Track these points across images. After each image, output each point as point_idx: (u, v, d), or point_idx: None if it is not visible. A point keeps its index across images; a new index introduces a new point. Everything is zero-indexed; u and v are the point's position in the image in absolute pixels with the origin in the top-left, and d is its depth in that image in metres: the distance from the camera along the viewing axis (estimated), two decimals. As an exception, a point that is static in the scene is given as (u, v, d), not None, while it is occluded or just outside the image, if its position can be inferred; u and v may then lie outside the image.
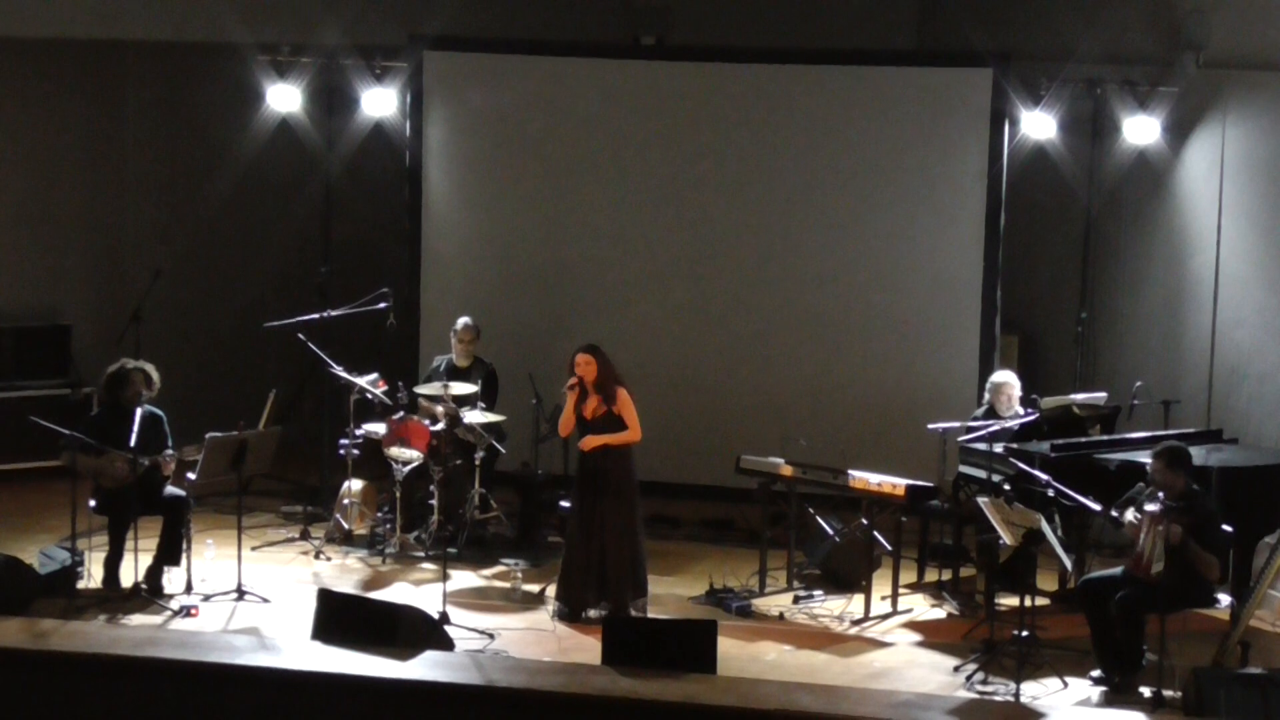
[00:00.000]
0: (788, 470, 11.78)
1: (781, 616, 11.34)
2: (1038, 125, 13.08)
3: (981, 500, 10.46)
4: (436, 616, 10.43)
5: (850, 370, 13.19)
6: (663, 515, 13.27)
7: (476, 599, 11.48)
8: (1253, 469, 11.02)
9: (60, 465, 11.23)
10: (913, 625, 11.27)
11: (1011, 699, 9.68)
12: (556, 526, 12.48)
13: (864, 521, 11.52)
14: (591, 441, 11.02)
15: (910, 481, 11.36)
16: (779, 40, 14.11)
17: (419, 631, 9.89)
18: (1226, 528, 10.23)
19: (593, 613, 11.02)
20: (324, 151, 14.12)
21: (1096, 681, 10.07)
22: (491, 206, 13.61)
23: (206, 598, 11.11)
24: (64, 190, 14.91)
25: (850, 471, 11.49)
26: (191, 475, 11.17)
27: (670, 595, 11.71)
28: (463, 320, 12.93)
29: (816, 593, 11.68)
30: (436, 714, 9.23)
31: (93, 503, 11.21)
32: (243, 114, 14.34)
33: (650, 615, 11.05)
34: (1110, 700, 9.86)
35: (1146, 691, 9.81)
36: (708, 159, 13.30)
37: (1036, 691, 9.88)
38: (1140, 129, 12.97)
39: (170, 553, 11.26)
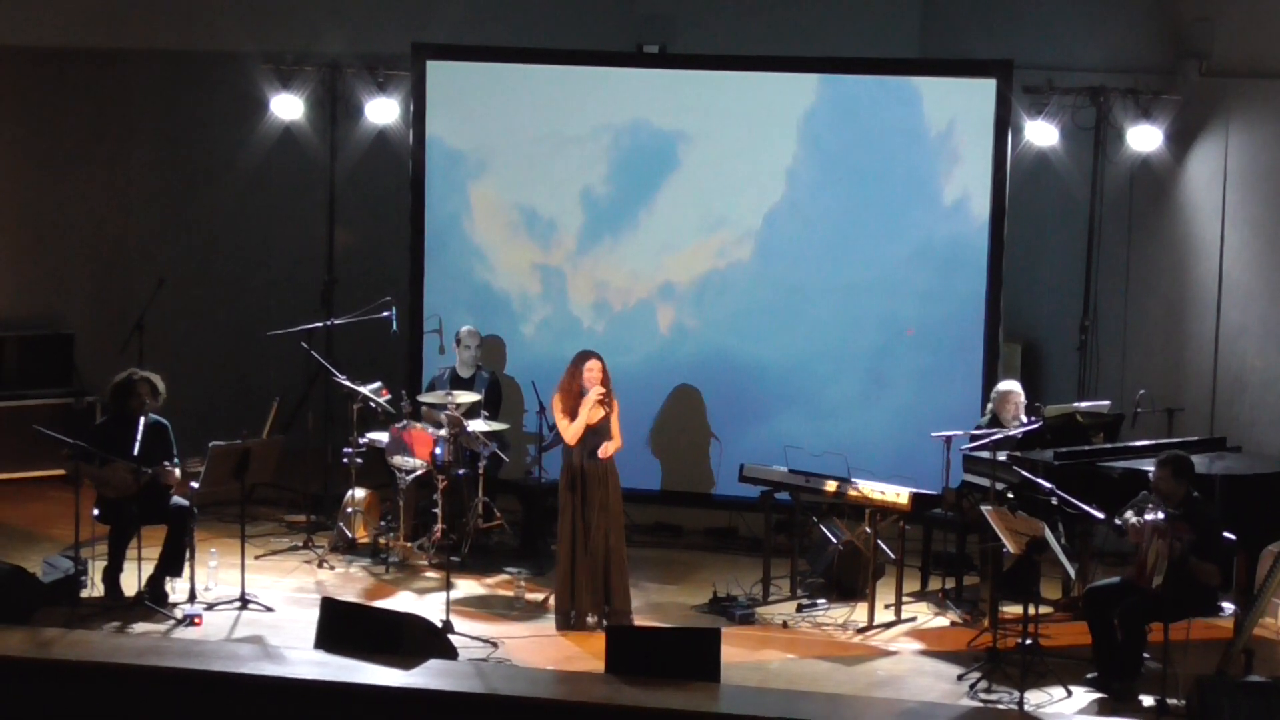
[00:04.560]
0: (790, 479, 11.78)
1: (785, 625, 11.33)
2: (1041, 133, 13.09)
3: (985, 508, 10.47)
4: (440, 625, 10.43)
5: (853, 377, 13.17)
6: (666, 523, 13.29)
7: (480, 607, 11.49)
8: (1256, 477, 11.02)
9: (64, 474, 11.23)
10: (916, 634, 11.26)
11: (1015, 708, 9.68)
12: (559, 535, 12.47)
13: (868, 530, 11.52)
14: (610, 449, 11.02)
15: (914, 490, 11.37)
16: (782, 49, 14.10)
17: (422, 640, 9.89)
18: (1230, 536, 10.23)
19: (592, 619, 11.02)
20: (327, 160, 14.14)
21: (1089, 681, 10.08)
22: (494, 215, 13.61)
23: (210, 606, 11.12)
24: (67, 199, 14.92)
25: (854, 480, 11.49)
26: (195, 484, 11.18)
27: (673, 603, 11.71)
28: (466, 327, 12.96)
29: (820, 601, 11.67)
30: (440, 723, 9.24)
31: (95, 511, 11.22)
32: (246, 123, 14.36)
33: (653, 624, 11.05)
34: (1111, 708, 9.86)
35: (1150, 700, 9.81)
36: (711, 167, 13.29)
37: (1040, 700, 9.88)
38: (1143, 137, 12.97)
39: (173, 563, 11.26)
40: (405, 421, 12.40)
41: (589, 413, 11.00)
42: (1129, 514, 10.10)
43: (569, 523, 11.10)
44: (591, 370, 11.05)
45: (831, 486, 11.51)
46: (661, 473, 13.38)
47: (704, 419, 13.28)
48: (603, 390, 10.99)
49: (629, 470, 11.69)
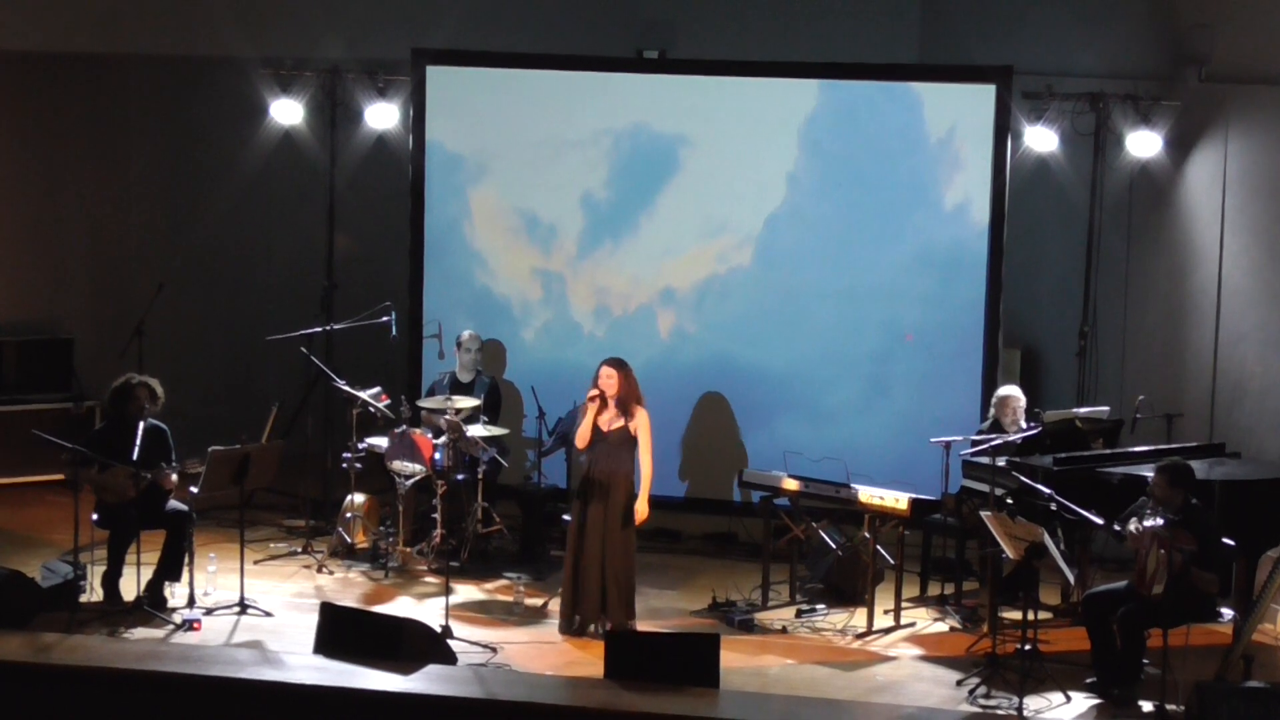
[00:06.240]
0: (791, 484, 11.78)
1: (784, 630, 11.33)
2: (1040, 139, 13.09)
3: (984, 514, 10.47)
4: (439, 630, 10.43)
5: (853, 383, 13.18)
6: (665, 529, 13.27)
7: (479, 612, 11.48)
8: (1256, 483, 11.01)
9: (63, 479, 11.22)
10: (915, 639, 11.26)
11: (1014, 713, 9.68)
12: (559, 540, 12.47)
13: (867, 535, 11.52)
14: (645, 512, 11.06)
15: (913, 495, 11.37)
16: (782, 54, 14.09)
17: (421, 645, 9.88)
18: (1228, 541, 10.22)
19: (593, 626, 11.02)
20: (327, 165, 14.14)
21: (1089, 686, 10.08)
22: (494, 220, 13.61)
23: (209, 611, 11.11)
24: (67, 204, 14.93)
25: (853, 485, 11.49)
26: (194, 489, 11.17)
27: (672, 609, 11.71)
28: (467, 331, 12.96)
29: (819, 606, 11.67)
30: (439, 728, 9.23)
31: (95, 516, 11.22)
32: (245, 128, 14.36)
33: (653, 629, 11.05)
34: (1110, 713, 9.86)
35: (1149, 705, 9.82)
36: (711, 172, 13.30)
37: (1039, 705, 9.88)
38: (1143, 143, 12.97)
39: (172, 567, 11.26)
40: (404, 426, 12.40)
41: (593, 416, 11.00)
42: (1130, 521, 10.10)
43: (573, 529, 11.11)
44: (602, 377, 11.06)
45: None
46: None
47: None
48: (594, 391, 10.99)
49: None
